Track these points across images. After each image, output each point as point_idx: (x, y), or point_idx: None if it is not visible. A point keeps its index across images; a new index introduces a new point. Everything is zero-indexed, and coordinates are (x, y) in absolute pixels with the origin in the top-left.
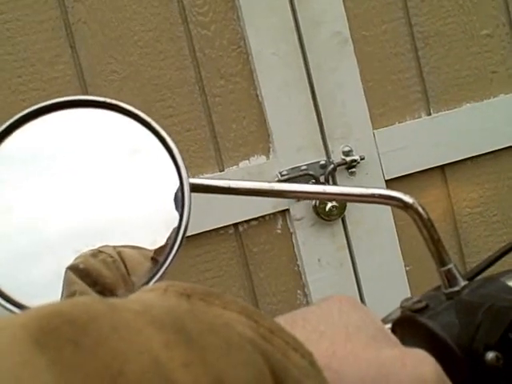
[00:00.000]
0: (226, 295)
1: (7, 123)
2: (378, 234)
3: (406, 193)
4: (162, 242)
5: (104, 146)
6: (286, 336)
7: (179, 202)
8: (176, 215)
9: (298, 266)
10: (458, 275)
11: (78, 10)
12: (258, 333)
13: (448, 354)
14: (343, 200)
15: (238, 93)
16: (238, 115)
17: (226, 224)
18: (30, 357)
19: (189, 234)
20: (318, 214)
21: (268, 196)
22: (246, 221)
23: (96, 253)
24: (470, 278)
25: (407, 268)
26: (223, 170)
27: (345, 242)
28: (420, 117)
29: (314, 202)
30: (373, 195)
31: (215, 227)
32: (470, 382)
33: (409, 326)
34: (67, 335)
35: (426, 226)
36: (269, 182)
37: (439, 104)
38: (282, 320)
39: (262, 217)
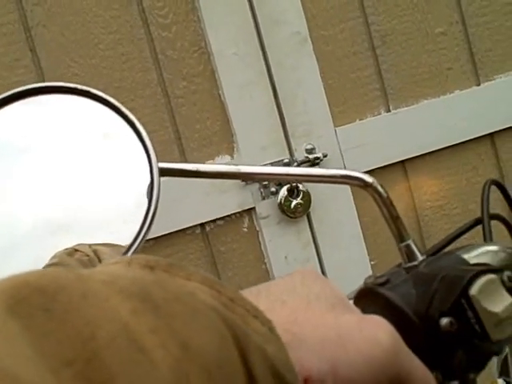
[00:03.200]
0: (188, 267)
1: None
2: (342, 229)
3: None
4: (134, 227)
5: (74, 133)
6: (246, 304)
7: (148, 186)
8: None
9: (266, 263)
10: (416, 250)
11: (37, 13)
12: (220, 301)
13: (405, 322)
14: (307, 181)
15: (201, 93)
16: (201, 116)
17: (192, 224)
18: (3, 324)
19: (156, 235)
20: (283, 211)
21: (235, 178)
22: (212, 220)
23: (71, 251)
24: (430, 254)
25: (372, 262)
26: None
27: (310, 238)
28: (380, 113)
29: (279, 199)
30: (334, 176)
31: (182, 227)
32: (427, 347)
33: (369, 298)
34: (38, 303)
35: (386, 204)
36: (236, 164)
37: (398, 101)
38: (248, 291)
39: (229, 216)
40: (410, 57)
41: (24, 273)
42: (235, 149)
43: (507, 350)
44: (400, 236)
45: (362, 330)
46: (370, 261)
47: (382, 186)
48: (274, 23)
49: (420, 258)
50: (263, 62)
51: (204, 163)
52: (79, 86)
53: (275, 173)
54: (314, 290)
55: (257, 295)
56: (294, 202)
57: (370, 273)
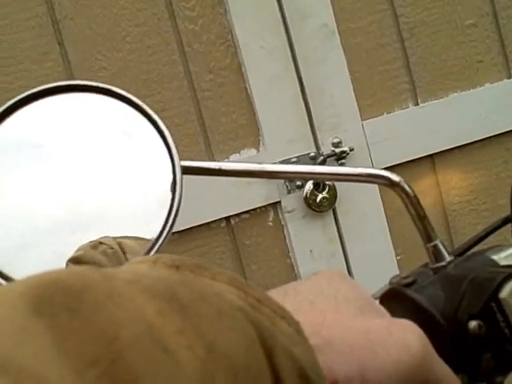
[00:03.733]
0: (214, 267)
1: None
2: (368, 224)
3: None
4: (157, 226)
5: (97, 131)
6: (273, 305)
7: (171, 184)
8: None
9: (290, 257)
10: (444, 251)
11: (64, 6)
12: (247, 302)
13: (433, 325)
14: (333, 180)
15: (227, 86)
16: (227, 109)
17: (217, 217)
18: (29, 322)
19: (181, 228)
20: (309, 205)
21: (259, 177)
22: (237, 214)
23: (96, 244)
24: (458, 255)
25: (398, 257)
26: None
27: (336, 233)
28: (408, 107)
29: (304, 193)
30: (361, 174)
31: (207, 221)
32: (454, 350)
33: (396, 299)
34: (63, 302)
35: (413, 203)
36: (259, 163)
37: (426, 94)
38: (275, 292)
39: (254, 210)
40: (439, 49)
41: (49, 271)
42: (261, 142)
43: None
44: (427, 236)
45: (391, 334)
46: (396, 256)
47: (409, 186)
48: (301, 16)
49: (448, 258)
50: (290, 56)
51: (229, 156)
52: (101, 85)
53: (300, 171)
54: (342, 291)
55: (284, 296)
56: (320, 196)
57: (396, 267)
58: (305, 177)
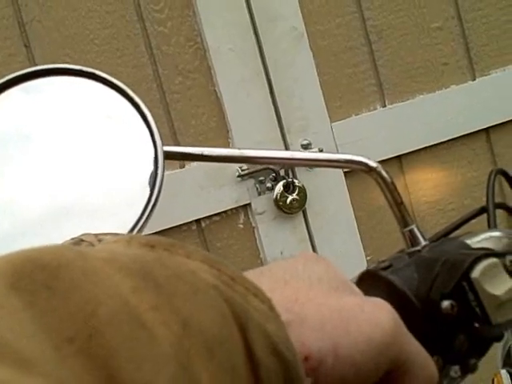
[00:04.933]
0: (188, 246)
1: None
2: (338, 225)
3: (364, 184)
4: (138, 210)
5: (79, 116)
6: (246, 283)
7: (153, 169)
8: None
9: (261, 259)
10: (419, 236)
11: (31, 8)
12: (221, 280)
13: (407, 305)
14: (311, 165)
15: (197, 89)
16: (196, 111)
17: (188, 220)
18: (7, 299)
19: (152, 231)
20: (279, 207)
21: (238, 162)
22: (208, 216)
23: (78, 241)
24: (433, 241)
25: (368, 258)
26: (184, 167)
27: (306, 234)
28: (375, 109)
29: (275, 195)
30: (339, 160)
31: (178, 224)
32: (427, 331)
33: (371, 281)
34: (40, 280)
35: (390, 189)
36: (239, 148)
37: (394, 96)
38: (250, 272)
39: (224, 212)
40: (406, 52)
41: (26, 249)
42: (231, 144)
43: (510, 340)
44: (404, 221)
45: (363, 311)
46: (366, 256)
47: (386, 171)
48: (270, 19)
49: (423, 243)
50: (259, 58)
51: None
52: (84, 68)
53: (279, 157)
54: (317, 271)
55: (259, 275)
56: (290, 198)
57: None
58: (283, 162)
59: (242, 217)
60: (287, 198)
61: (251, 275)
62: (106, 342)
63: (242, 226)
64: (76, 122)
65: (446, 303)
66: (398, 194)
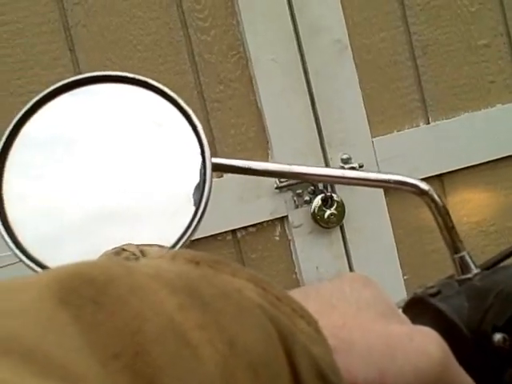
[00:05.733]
0: (234, 263)
1: (33, 101)
2: (376, 242)
3: (404, 202)
4: (183, 222)
5: (129, 124)
6: (292, 303)
7: (200, 180)
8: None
9: (296, 273)
10: (471, 263)
11: (77, 12)
12: (266, 299)
13: (457, 335)
14: (360, 185)
15: (237, 98)
16: (236, 121)
17: (224, 230)
18: (55, 313)
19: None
20: (316, 221)
21: (286, 177)
22: (244, 227)
23: (119, 251)
24: (484, 268)
25: (405, 277)
26: (222, 176)
27: (343, 250)
28: (418, 125)
29: (312, 209)
30: (389, 181)
31: (213, 233)
32: (477, 363)
33: (419, 308)
34: (88, 295)
35: (441, 213)
36: (289, 164)
37: (437, 112)
38: (296, 292)
39: (261, 223)
40: (452, 68)
41: (74, 263)
42: (269, 156)
43: None
44: (455, 247)
45: (412, 340)
46: (403, 275)
47: (438, 196)
48: (314, 30)
49: (474, 270)
50: (301, 70)
51: None
52: (137, 77)
53: (328, 174)
54: (365, 295)
55: (305, 297)
56: (328, 212)
57: (403, 287)
58: (332, 181)
59: (278, 229)
60: (325, 212)
61: (297, 296)
62: (152, 359)
63: (277, 238)
64: (125, 129)
65: (498, 336)
66: (450, 218)
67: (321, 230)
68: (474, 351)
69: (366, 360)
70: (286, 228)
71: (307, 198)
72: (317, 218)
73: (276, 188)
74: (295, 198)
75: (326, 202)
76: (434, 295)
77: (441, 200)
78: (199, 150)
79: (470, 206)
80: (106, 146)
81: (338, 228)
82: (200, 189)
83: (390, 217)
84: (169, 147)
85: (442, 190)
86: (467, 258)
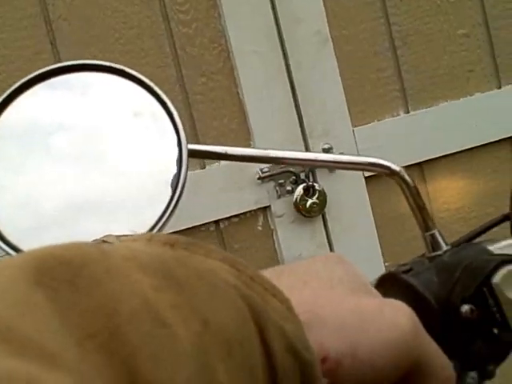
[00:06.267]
0: (208, 245)
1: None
2: (357, 230)
3: (385, 190)
4: (160, 208)
5: (106, 112)
6: (265, 283)
7: (177, 166)
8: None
9: (279, 262)
10: (441, 240)
11: (58, 6)
12: (240, 279)
13: (426, 308)
14: (334, 167)
15: (219, 90)
16: (218, 113)
17: (207, 221)
18: (31, 294)
19: (170, 230)
20: (298, 210)
21: (262, 162)
22: (227, 218)
23: (99, 242)
24: (454, 246)
25: (386, 264)
26: (204, 167)
27: (325, 238)
28: (398, 115)
29: (294, 198)
30: (362, 163)
31: (196, 224)
32: (446, 335)
33: (390, 284)
34: (63, 276)
35: (412, 193)
36: (264, 148)
37: (417, 102)
38: (271, 270)
39: (243, 214)
40: (431, 58)
41: (49, 246)
42: (252, 146)
43: None
44: (425, 225)
45: (382, 313)
46: (384, 262)
47: (409, 176)
48: (294, 22)
49: (444, 247)
50: (283, 61)
51: (220, 160)
52: (113, 65)
53: (303, 158)
54: (337, 272)
55: (279, 275)
56: (310, 202)
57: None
58: (307, 164)
59: (261, 219)
60: (307, 201)
61: (272, 274)
62: (127, 339)
63: (260, 228)
64: (102, 118)
65: (465, 307)
66: (421, 198)
67: (303, 220)
68: (443, 323)
69: (337, 333)
70: (269, 218)
71: (289, 187)
72: (299, 208)
73: (258, 178)
74: (277, 188)
75: (308, 191)
76: (405, 272)
77: (411, 180)
78: (175, 137)
79: (449, 194)
80: (83, 135)
81: (320, 217)
82: (176, 175)
83: (371, 205)
84: (146, 135)
85: (422, 178)
86: (437, 235)
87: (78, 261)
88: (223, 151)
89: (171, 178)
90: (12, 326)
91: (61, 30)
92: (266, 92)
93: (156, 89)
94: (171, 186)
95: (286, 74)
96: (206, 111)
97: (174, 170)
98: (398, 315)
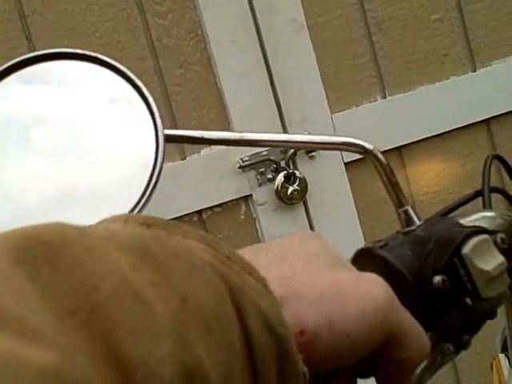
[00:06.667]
0: (185, 225)
1: None
2: (339, 216)
3: (365, 175)
4: (138, 193)
5: (79, 99)
6: (241, 262)
7: (154, 150)
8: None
9: None
10: (414, 216)
11: (32, 1)
12: (217, 258)
13: (401, 281)
14: (309, 148)
15: (197, 81)
16: (197, 103)
17: (190, 211)
18: (11, 273)
19: None
20: (280, 198)
21: (239, 145)
22: (209, 207)
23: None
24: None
25: None
26: (185, 159)
27: (307, 225)
28: (376, 100)
29: (275, 186)
30: (336, 143)
31: (179, 215)
32: (421, 307)
33: (366, 258)
34: (43, 255)
35: (385, 170)
36: (239, 131)
37: (394, 87)
38: (248, 249)
39: (225, 203)
40: (406, 43)
41: (28, 226)
42: None
43: (506, 326)
44: (399, 202)
45: (357, 286)
46: None
47: (381, 154)
48: (270, 10)
49: (418, 222)
50: (260, 50)
51: (200, 150)
52: (88, 53)
53: (278, 140)
54: (313, 248)
55: (257, 252)
56: (291, 189)
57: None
58: (282, 145)
59: (243, 208)
60: (288, 188)
61: (249, 252)
62: (107, 315)
63: (243, 216)
64: (77, 105)
65: (437, 278)
66: (394, 175)
67: (285, 207)
68: (417, 296)
69: (314, 307)
70: (251, 206)
71: (270, 176)
72: (280, 195)
73: (239, 168)
74: (258, 177)
75: (289, 178)
76: (380, 247)
77: (384, 158)
78: (151, 122)
79: (428, 177)
80: (61, 126)
81: (302, 204)
82: (153, 158)
83: (352, 190)
84: (123, 122)
85: (401, 162)
86: (411, 211)
87: (57, 240)
88: (200, 135)
89: (150, 163)
90: None
91: (36, 24)
92: (244, 81)
93: (130, 74)
94: (149, 171)
95: (263, 63)
96: (184, 102)
97: (153, 154)
98: (373, 288)
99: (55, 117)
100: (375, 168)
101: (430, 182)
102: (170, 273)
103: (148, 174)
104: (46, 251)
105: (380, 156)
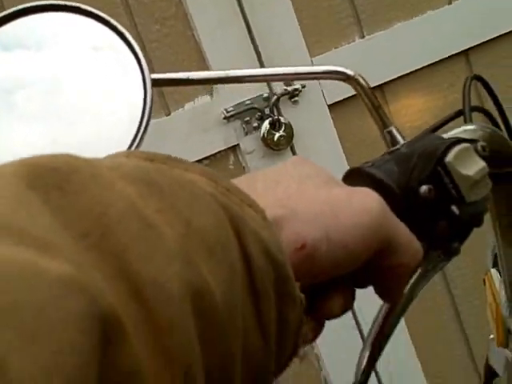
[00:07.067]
0: (186, 160)
1: None
2: (327, 157)
3: (348, 115)
4: (129, 139)
5: (67, 50)
6: (241, 194)
7: (143, 93)
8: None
9: None
10: (398, 136)
11: None
12: (218, 190)
13: (390, 195)
14: (292, 79)
15: (175, 36)
16: (176, 58)
17: None
18: (24, 195)
19: None
20: (267, 145)
21: (225, 83)
22: (198, 160)
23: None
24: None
25: None
26: (169, 114)
27: None
28: (354, 40)
29: (262, 133)
30: (318, 72)
31: None
32: (409, 217)
33: (355, 176)
34: (52, 181)
35: (368, 94)
36: (224, 70)
37: (371, 26)
38: (245, 177)
39: (213, 155)
40: None
41: (37, 155)
42: (214, 88)
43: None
44: (383, 123)
45: (351, 200)
46: None
47: (363, 78)
48: None
49: (402, 141)
50: (236, 0)
51: (184, 105)
52: (69, 3)
53: (262, 74)
54: (306, 170)
55: (253, 180)
56: (277, 135)
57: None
58: (266, 79)
59: (231, 158)
60: (274, 135)
61: (246, 180)
62: (117, 239)
63: (232, 166)
64: (61, 60)
65: (424, 188)
66: (376, 98)
67: (273, 153)
68: (406, 207)
69: (312, 223)
70: (239, 156)
71: (255, 124)
72: (267, 142)
73: (224, 118)
74: (244, 126)
75: (274, 125)
76: (368, 167)
77: (366, 82)
78: (138, 67)
79: (411, 112)
80: (45, 85)
81: (289, 149)
82: (142, 103)
83: (337, 131)
84: (108, 70)
85: (384, 99)
86: (395, 131)
87: (65, 168)
88: (185, 76)
89: (139, 110)
90: (9, 221)
91: None
92: (222, 32)
93: (113, 21)
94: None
95: (239, 12)
96: (163, 57)
97: (141, 101)
98: (367, 200)
99: (39, 77)
100: (358, 93)
101: (414, 116)
102: (174, 201)
103: (137, 122)
104: (55, 177)
105: (362, 80)
